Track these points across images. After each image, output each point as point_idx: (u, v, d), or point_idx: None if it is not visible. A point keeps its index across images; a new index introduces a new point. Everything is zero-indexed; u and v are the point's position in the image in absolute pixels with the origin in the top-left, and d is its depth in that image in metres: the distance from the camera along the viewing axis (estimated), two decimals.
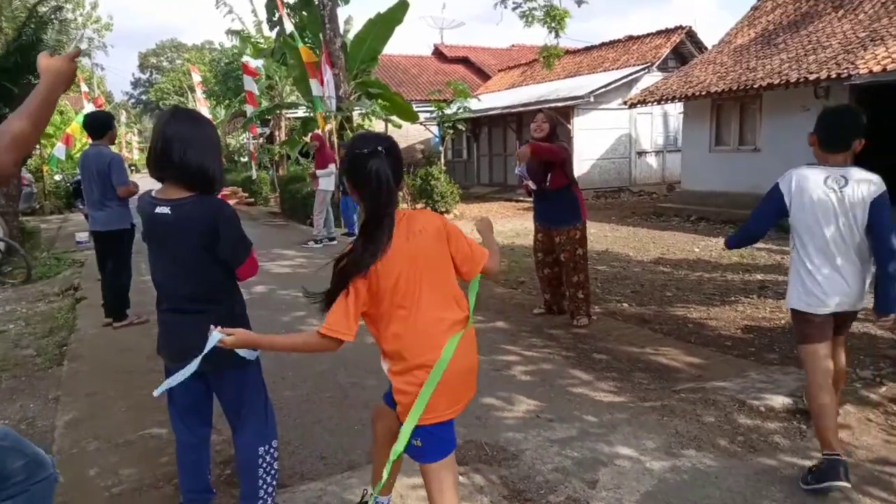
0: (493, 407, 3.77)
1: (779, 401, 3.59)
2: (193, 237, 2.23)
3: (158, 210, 2.24)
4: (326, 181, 10.34)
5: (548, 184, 5.27)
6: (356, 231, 10.32)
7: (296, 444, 3.39)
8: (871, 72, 9.40)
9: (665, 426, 3.42)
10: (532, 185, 5.40)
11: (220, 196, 2.42)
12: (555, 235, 5.43)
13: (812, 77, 10.18)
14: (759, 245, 9.31)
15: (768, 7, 14.82)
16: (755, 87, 11.34)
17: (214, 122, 22.59)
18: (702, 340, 5.07)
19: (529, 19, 13.01)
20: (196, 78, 24.24)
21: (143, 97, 68.56)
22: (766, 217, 3.15)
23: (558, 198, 5.33)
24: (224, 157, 27.39)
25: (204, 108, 25.99)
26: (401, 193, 2.07)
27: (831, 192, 2.82)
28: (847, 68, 9.77)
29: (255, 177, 18.34)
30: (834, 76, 9.82)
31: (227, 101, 22.88)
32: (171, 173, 2.25)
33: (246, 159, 22.74)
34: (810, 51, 11.46)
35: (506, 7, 12.99)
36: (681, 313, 5.89)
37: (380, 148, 1.98)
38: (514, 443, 3.30)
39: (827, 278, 2.86)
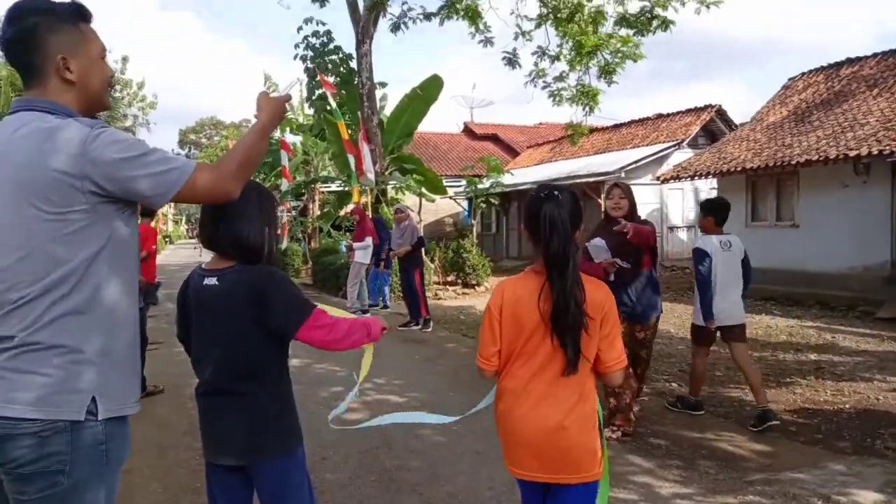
0: None
1: (869, 497, 3.28)
2: (242, 307, 2.03)
3: (207, 282, 2.08)
4: (363, 254, 10.36)
5: (639, 266, 4.52)
6: (386, 303, 10.06)
7: None
8: None
9: None
10: (622, 263, 4.34)
11: None
12: (637, 331, 4.62)
13: (853, 153, 10.09)
14: (808, 323, 9.00)
15: (799, 86, 14.96)
16: (792, 163, 11.27)
17: None
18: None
19: (557, 99, 13.32)
20: None
21: None
22: (710, 277, 4.78)
23: (645, 283, 4.57)
24: None
25: None
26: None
27: (725, 251, 4.85)
28: (889, 145, 9.66)
29: (286, 249, 18.55)
30: (875, 152, 9.71)
31: (262, 176, 23.54)
32: (214, 243, 2.11)
33: (278, 232, 23.17)
34: (847, 128, 11.42)
35: (535, 86, 13.33)
36: (735, 395, 5.58)
37: (556, 193, 2.04)
38: None
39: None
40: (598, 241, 4.46)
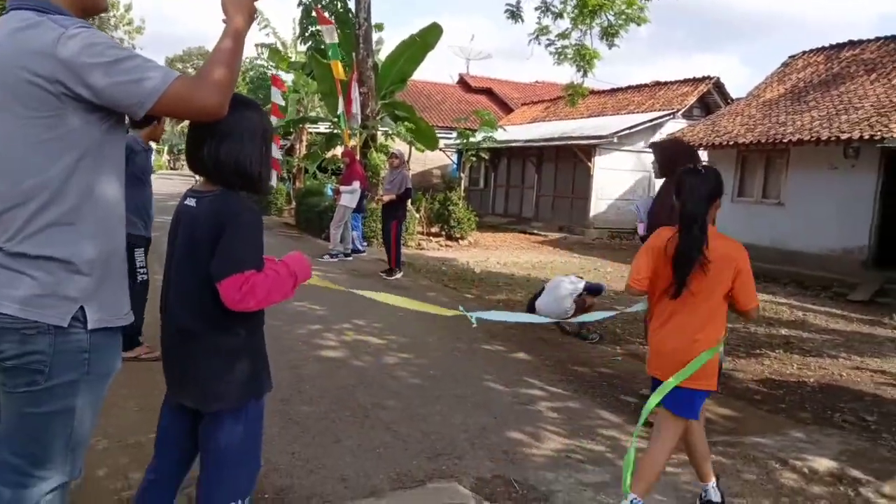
0: (520, 442, 3.60)
1: (824, 463, 3.42)
2: (203, 236, 1.82)
3: (187, 202, 1.92)
4: (349, 197, 10.28)
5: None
6: (356, 247, 9.96)
7: (315, 463, 3.22)
8: None
9: None
10: (642, 229, 4.37)
11: None
12: None
13: (844, 136, 10.13)
14: (782, 300, 9.19)
15: (799, 65, 14.88)
16: (784, 141, 11.30)
17: None
18: (730, 392, 4.88)
19: (561, 57, 13.12)
20: None
21: None
22: None
23: None
24: None
25: None
26: None
27: None
28: (880, 130, 9.72)
29: (274, 187, 18.32)
30: (867, 137, 9.76)
31: None
32: (200, 167, 1.91)
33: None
34: (842, 110, 11.43)
35: (539, 44, 13.10)
36: None
37: (701, 169, 2.75)
38: (544, 482, 3.13)
39: None
40: (641, 202, 4.53)
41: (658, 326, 2.76)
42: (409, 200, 9.82)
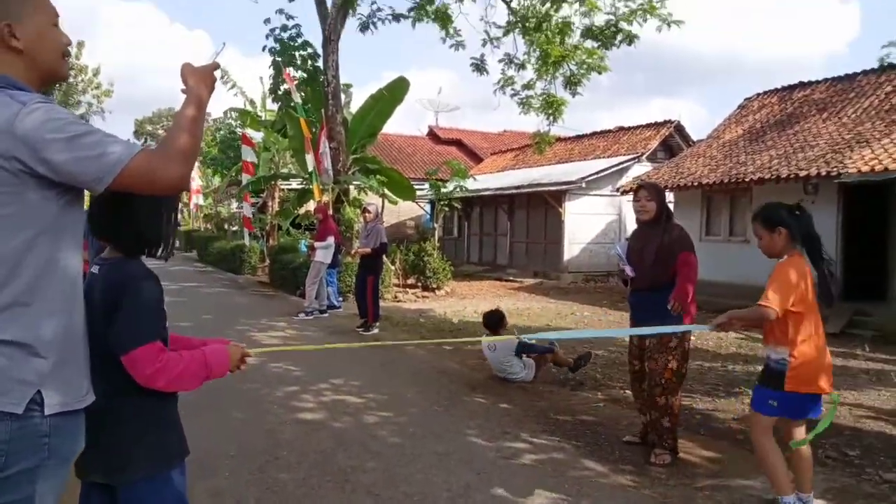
0: (505, 499, 3.53)
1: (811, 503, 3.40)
2: (101, 306, 1.76)
3: (93, 269, 1.86)
4: (324, 253, 10.25)
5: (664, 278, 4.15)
6: (332, 302, 9.95)
7: None
8: (859, 171, 9.70)
9: None
10: (629, 271, 4.31)
11: None
12: (647, 339, 4.28)
13: (803, 173, 10.49)
14: (757, 335, 9.25)
15: (755, 106, 15.48)
16: (746, 180, 11.65)
17: (208, 190, 22.59)
18: (712, 433, 4.88)
19: (527, 107, 13.49)
20: None
21: None
22: None
23: (655, 294, 4.16)
24: (215, 226, 27.47)
25: (196, 176, 26.27)
26: None
27: None
28: (836, 167, 10.08)
29: (247, 245, 18.19)
30: (824, 174, 10.12)
31: (223, 171, 23.12)
32: (103, 233, 1.87)
33: (236, 228, 22.71)
34: (798, 149, 11.86)
35: (504, 94, 13.48)
36: (686, 403, 5.69)
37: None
38: None
39: None
40: (620, 245, 4.43)
41: (816, 340, 3.20)
42: (385, 254, 9.79)
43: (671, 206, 13.65)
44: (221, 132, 24.71)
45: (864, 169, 9.68)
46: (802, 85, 14.95)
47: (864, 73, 13.65)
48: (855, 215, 10.94)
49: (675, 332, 4.04)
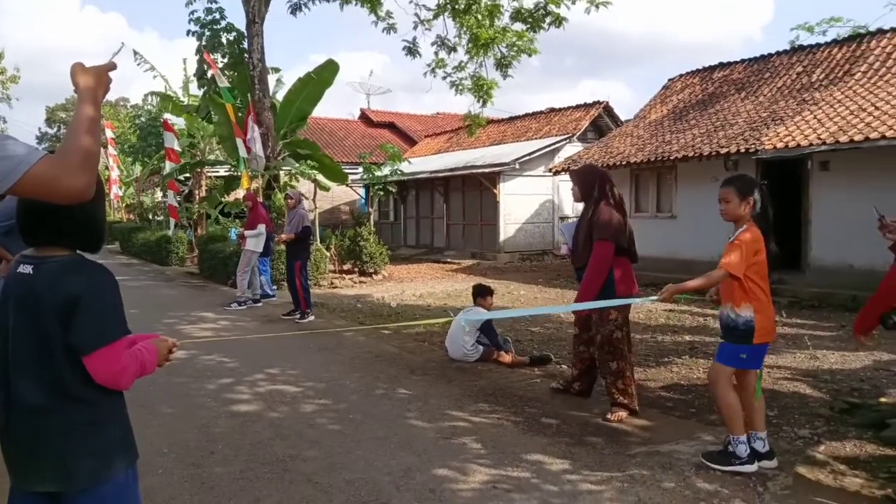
0: (446, 478, 3.55)
1: (752, 469, 3.54)
2: (50, 305, 1.66)
3: (21, 269, 1.72)
4: (254, 241, 9.97)
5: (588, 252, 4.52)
6: (266, 291, 9.79)
7: None
8: (774, 147, 10.20)
9: (627, 493, 3.31)
10: (565, 251, 4.87)
11: None
12: (593, 314, 4.65)
13: (723, 151, 10.94)
14: (684, 307, 9.67)
15: (678, 87, 16.01)
16: (671, 158, 12.06)
17: (128, 179, 21.55)
18: (644, 402, 5.03)
19: (459, 89, 13.52)
20: (108, 134, 23.32)
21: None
22: None
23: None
24: (138, 216, 26.29)
25: (115, 166, 25.05)
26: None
27: None
28: (753, 144, 10.57)
29: (173, 235, 17.49)
30: (743, 150, 10.59)
31: (145, 159, 22.08)
32: (47, 230, 1.72)
33: (161, 218, 21.81)
34: (719, 127, 12.36)
35: (435, 76, 13.45)
36: None
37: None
38: None
39: None
40: (568, 225, 4.82)
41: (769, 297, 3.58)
42: (310, 239, 9.60)
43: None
44: (141, 118, 23.57)
45: (779, 145, 10.19)
46: (722, 66, 15.55)
47: (778, 53, 14.33)
48: (772, 190, 11.50)
49: (609, 306, 4.43)
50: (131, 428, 1.87)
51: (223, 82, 12.44)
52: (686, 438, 4.09)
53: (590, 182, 4.64)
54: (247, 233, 10.05)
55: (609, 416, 4.51)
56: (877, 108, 9.95)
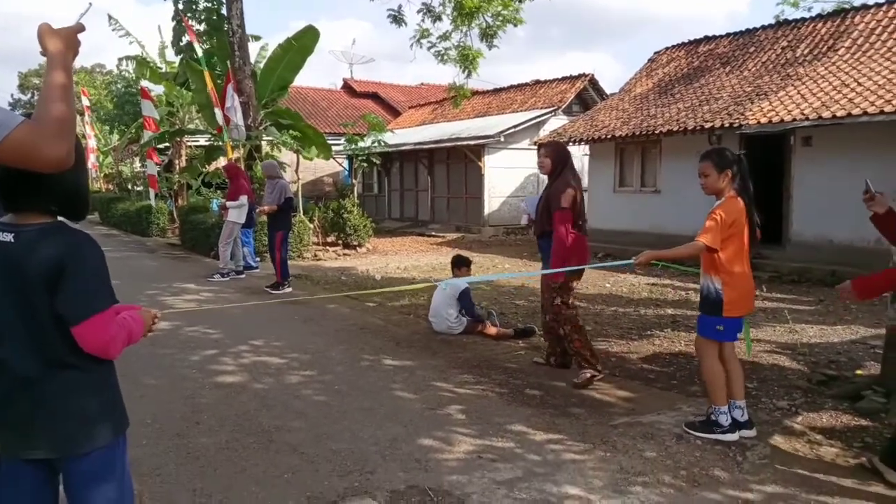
0: (431, 448, 3.58)
1: (733, 437, 3.63)
2: (35, 273, 1.63)
3: (1, 237, 1.67)
4: (236, 213, 9.86)
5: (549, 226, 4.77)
6: (249, 262, 9.80)
7: (219, 497, 3.04)
8: (758, 122, 10.23)
9: (609, 462, 3.37)
10: (525, 220, 5.28)
11: None
12: (546, 280, 4.94)
13: (707, 125, 10.95)
14: (666, 281, 9.77)
15: (663, 60, 15.94)
16: (656, 132, 12.05)
17: (106, 148, 21.01)
18: (627, 374, 5.13)
19: (444, 59, 13.32)
20: (84, 102, 22.72)
21: None
22: None
23: (547, 240, 4.83)
24: (117, 186, 25.84)
25: (92, 134, 24.50)
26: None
27: None
28: (738, 118, 10.59)
29: (154, 206, 17.21)
30: (727, 125, 10.61)
31: (122, 127, 21.57)
32: (31, 196, 1.67)
33: (141, 188, 21.46)
34: (704, 101, 12.36)
35: (421, 47, 13.23)
36: (602, 347, 5.96)
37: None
38: (458, 486, 3.13)
39: None
40: (531, 198, 5.16)
41: (745, 271, 3.63)
42: (292, 210, 9.51)
43: (585, 159, 14.08)
44: (119, 85, 22.99)
45: (763, 120, 10.22)
46: (707, 39, 15.50)
47: (763, 28, 14.29)
48: (755, 164, 11.58)
49: (581, 269, 4.85)
50: (121, 395, 1.87)
51: (200, 50, 12.15)
52: (667, 409, 4.16)
53: (562, 157, 4.85)
54: (229, 204, 9.93)
55: (576, 379, 4.70)
56: (859, 84, 10.00)
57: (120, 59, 19.89)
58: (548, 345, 5.27)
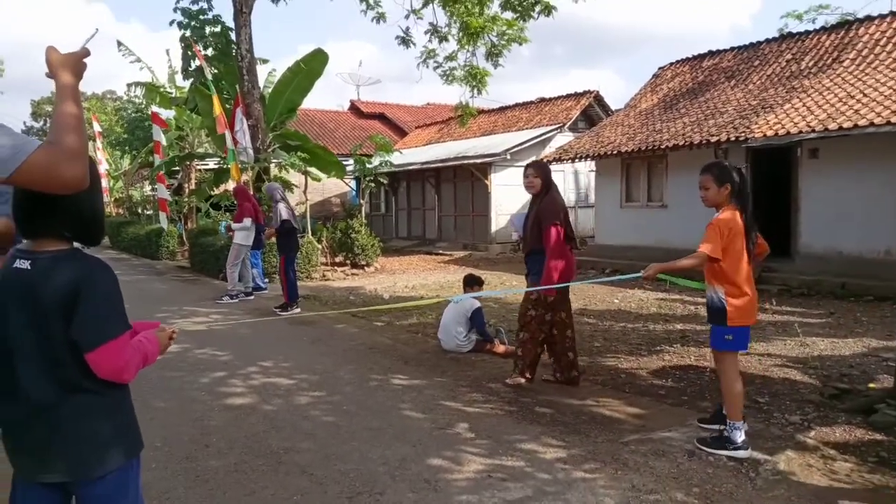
0: (441, 468, 3.57)
1: (746, 454, 3.60)
2: (50, 300, 1.65)
3: (18, 264, 1.69)
4: (242, 235, 9.94)
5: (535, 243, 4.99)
6: (258, 283, 9.88)
7: None
8: (764, 135, 10.24)
9: (620, 480, 3.34)
10: (516, 237, 5.48)
11: None
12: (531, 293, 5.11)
13: (714, 139, 10.97)
14: (675, 296, 9.72)
15: (668, 75, 16.01)
16: (662, 147, 12.07)
17: (117, 173, 21.21)
18: (636, 390, 5.10)
19: (450, 78, 13.45)
20: (96, 128, 23.05)
21: None
22: None
23: (532, 256, 5.09)
24: (127, 210, 26.10)
25: (104, 160, 24.81)
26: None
27: None
28: (744, 132, 10.60)
29: (165, 229, 17.34)
30: (733, 139, 10.62)
31: (133, 152, 21.85)
32: (48, 221, 1.69)
33: (151, 212, 21.66)
34: (709, 115, 12.38)
35: (427, 67, 13.38)
36: (612, 363, 5.94)
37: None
38: None
39: None
40: (518, 215, 5.29)
41: (747, 280, 3.66)
42: (297, 231, 9.48)
43: (592, 175, 14.27)
44: (129, 111, 23.32)
45: (769, 133, 10.23)
46: (711, 54, 15.57)
47: (767, 41, 14.35)
48: (762, 177, 11.57)
49: (601, 282, 5.02)
50: (135, 417, 1.89)
51: (209, 74, 12.34)
52: (678, 425, 4.12)
53: (549, 176, 5.09)
54: (234, 226, 10.03)
55: (508, 380, 5.12)
56: (865, 95, 9.99)
57: (129, 85, 20.21)
58: (550, 358, 5.33)
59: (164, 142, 16.36)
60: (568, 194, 19.49)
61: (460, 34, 12.64)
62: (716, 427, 3.84)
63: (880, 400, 4.34)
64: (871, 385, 4.98)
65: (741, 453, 3.57)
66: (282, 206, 9.07)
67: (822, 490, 3.22)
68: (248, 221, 9.96)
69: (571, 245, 5.02)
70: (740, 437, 3.60)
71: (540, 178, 4.98)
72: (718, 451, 3.61)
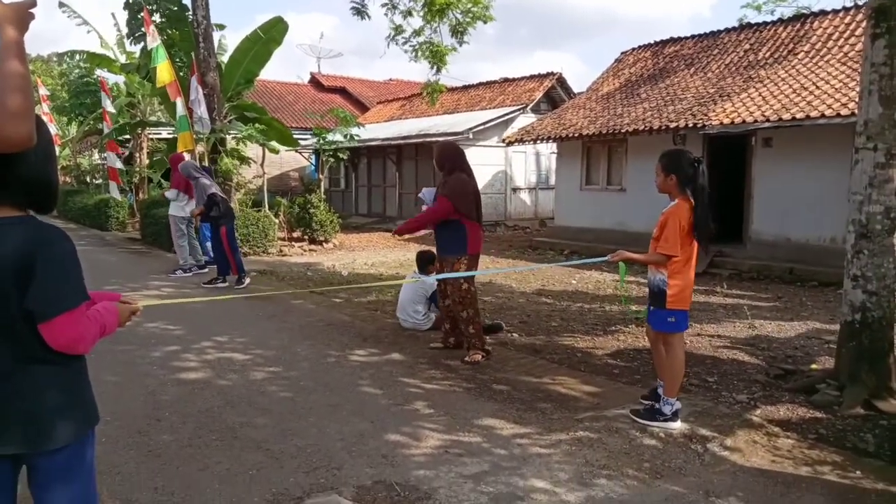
0: (398, 444, 3.57)
1: (676, 426, 3.73)
2: (8, 269, 1.58)
3: None
4: (174, 206, 9.70)
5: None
6: (211, 258, 9.55)
7: (181, 496, 2.97)
8: (721, 123, 10.46)
9: (574, 456, 3.41)
10: (424, 209, 5.61)
11: None
12: (444, 267, 5.41)
13: (672, 125, 11.15)
14: (631, 278, 9.91)
15: (630, 60, 16.16)
16: (622, 131, 12.22)
17: (63, 140, 20.41)
18: (592, 369, 5.20)
19: (419, 54, 13.27)
20: (42, 91, 22.02)
21: None
22: None
23: (447, 228, 5.31)
24: (75, 179, 25.12)
25: (51, 126, 23.74)
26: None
27: None
28: (701, 119, 10.81)
29: (118, 199, 16.74)
30: (691, 125, 10.82)
31: (80, 118, 20.95)
32: (0, 187, 1.62)
33: (100, 181, 20.88)
34: (669, 101, 12.57)
35: (396, 44, 13.16)
36: (568, 342, 6.03)
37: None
38: (425, 481, 3.13)
39: None
40: (429, 190, 5.66)
41: (689, 266, 3.78)
42: (217, 205, 9.10)
43: (553, 157, 14.42)
44: (77, 73, 22.31)
45: (725, 121, 10.45)
46: (673, 41, 15.76)
47: (727, 30, 14.60)
48: (718, 165, 11.83)
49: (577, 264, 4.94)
50: (91, 389, 1.83)
51: (154, 41, 11.84)
52: (632, 403, 4.21)
53: (447, 156, 5.42)
54: (167, 194, 9.82)
55: (466, 358, 5.19)
56: (817, 88, 10.29)
57: (66, 53, 19.24)
58: (447, 327, 5.66)
59: (111, 109, 15.74)
60: (529, 176, 19.62)
61: (424, 10, 12.47)
62: (649, 403, 4.01)
63: (821, 380, 4.54)
64: (814, 366, 5.19)
65: (671, 425, 3.74)
66: (204, 181, 8.85)
67: (766, 465, 3.35)
68: (173, 192, 9.72)
69: (477, 219, 5.36)
70: (670, 410, 3.78)
71: (436, 159, 5.46)
72: (650, 423, 3.79)
